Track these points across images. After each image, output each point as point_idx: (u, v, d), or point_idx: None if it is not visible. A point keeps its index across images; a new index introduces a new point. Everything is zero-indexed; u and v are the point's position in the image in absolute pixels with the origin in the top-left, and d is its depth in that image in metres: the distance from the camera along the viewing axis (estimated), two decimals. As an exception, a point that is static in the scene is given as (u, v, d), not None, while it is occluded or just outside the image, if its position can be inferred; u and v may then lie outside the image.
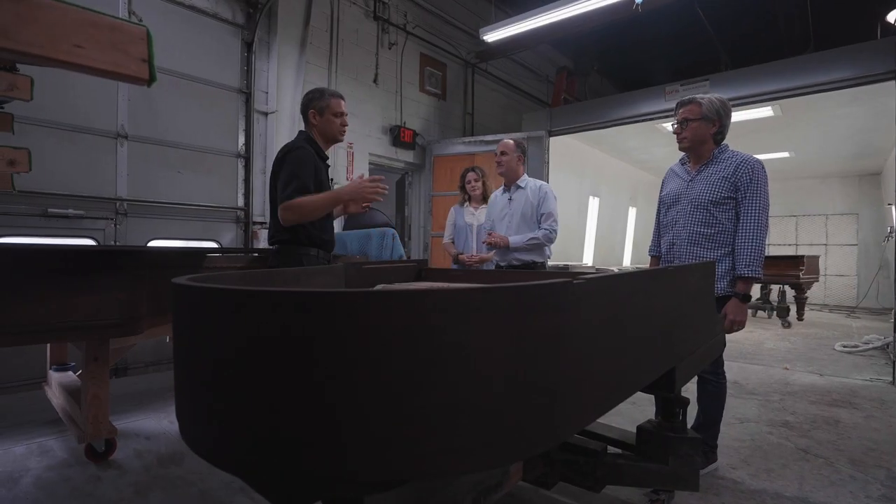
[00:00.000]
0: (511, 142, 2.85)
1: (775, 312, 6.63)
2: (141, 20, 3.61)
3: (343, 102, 2.10)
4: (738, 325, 1.86)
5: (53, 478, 1.98)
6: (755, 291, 7.98)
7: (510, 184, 2.87)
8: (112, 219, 3.61)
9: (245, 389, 0.70)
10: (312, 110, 2.02)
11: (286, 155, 1.87)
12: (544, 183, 2.83)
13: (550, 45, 8.12)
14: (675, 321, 1.22)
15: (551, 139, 5.98)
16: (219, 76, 4.22)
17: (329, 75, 5.07)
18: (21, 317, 1.75)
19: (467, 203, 3.59)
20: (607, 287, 0.86)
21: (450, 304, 0.66)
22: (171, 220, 3.92)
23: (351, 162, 5.36)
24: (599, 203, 8.73)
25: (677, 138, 2.07)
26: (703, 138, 2.00)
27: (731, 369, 4.05)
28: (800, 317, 6.31)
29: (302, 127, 2.10)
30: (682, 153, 2.15)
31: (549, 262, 5.96)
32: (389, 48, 5.78)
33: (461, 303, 0.66)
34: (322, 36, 5.00)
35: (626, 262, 10.02)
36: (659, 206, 2.24)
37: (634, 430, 1.76)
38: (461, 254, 3.44)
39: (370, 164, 5.61)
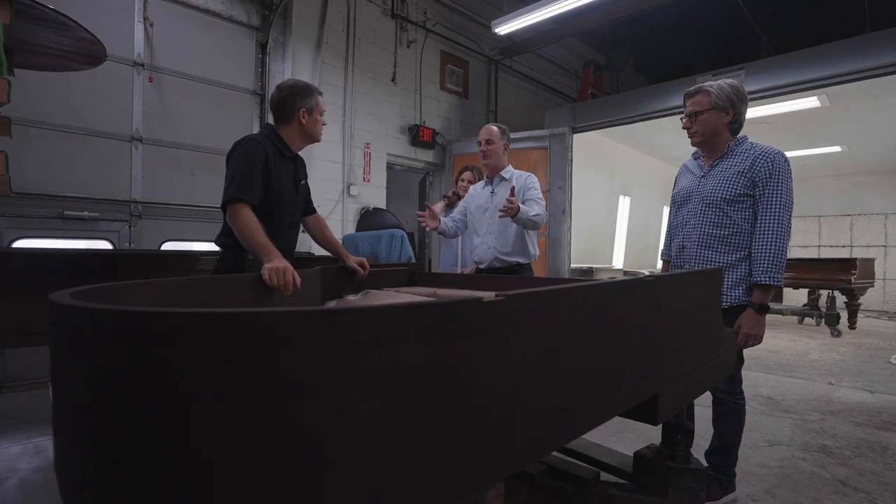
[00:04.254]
0: (496, 128, 2.58)
1: (823, 320, 6.12)
2: (153, 25, 3.67)
3: None
4: (754, 340, 1.63)
5: (38, 480, 1.98)
6: (802, 296, 7.42)
7: (493, 176, 2.61)
8: (127, 221, 3.68)
9: (81, 429, 0.59)
10: (303, 109, 1.88)
11: (233, 150, 1.77)
12: (530, 174, 2.58)
13: (580, 40, 7.84)
14: (657, 340, 1.04)
15: (576, 136, 5.72)
16: (233, 78, 4.24)
17: (345, 75, 5.03)
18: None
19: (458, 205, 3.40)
20: (539, 305, 0.71)
21: (307, 330, 0.53)
22: (185, 222, 3.96)
23: (368, 162, 5.31)
24: (630, 203, 8.35)
25: (688, 133, 1.87)
26: (716, 130, 1.78)
27: (767, 382, 3.72)
28: (851, 325, 5.78)
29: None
30: (696, 147, 1.94)
31: (573, 265, 5.73)
32: (408, 46, 5.70)
33: (328, 328, 0.53)
34: (338, 35, 4.97)
35: (661, 264, 9.55)
36: (671, 206, 2.03)
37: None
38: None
39: (388, 164, 5.55)
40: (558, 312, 0.74)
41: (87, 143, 3.48)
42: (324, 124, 1.98)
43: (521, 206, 2.37)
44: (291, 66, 4.53)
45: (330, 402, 0.53)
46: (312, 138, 1.97)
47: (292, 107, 1.88)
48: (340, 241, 4.40)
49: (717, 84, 1.74)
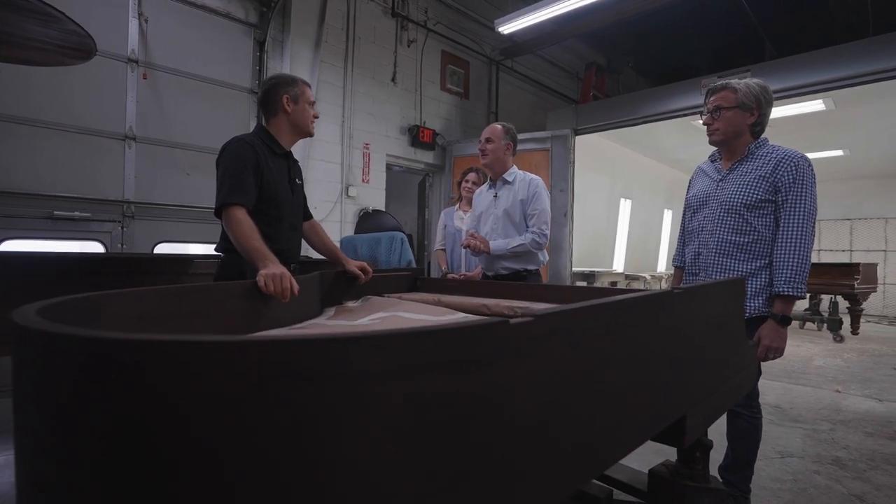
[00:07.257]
0: (499, 127, 2.46)
1: (825, 325, 6.06)
2: (147, 20, 3.57)
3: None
4: (775, 353, 1.56)
5: (20, 495, 1.88)
6: (802, 301, 7.37)
7: (497, 178, 2.50)
8: (119, 221, 3.58)
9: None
10: (286, 96, 1.79)
11: (221, 153, 1.69)
12: (535, 177, 2.47)
13: (581, 41, 7.78)
14: (685, 357, 0.96)
15: (578, 138, 5.65)
16: (230, 76, 4.15)
17: (345, 74, 4.95)
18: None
19: (459, 205, 3.31)
20: (569, 325, 0.62)
21: (308, 360, 0.44)
22: (179, 223, 3.87)
23: (367, 163, 5.22)
24: (632, 205, 8.29)
25: (708, 130, 1.78)
26: (738, 130, 1.70)
27: (773, 390, 3.65)
28: (854, 330, 5.73)
29: (320, 125, 1.89)
30: (714, 149, 1.87)
31: (574, 269, 5.66)
32: (409, 46, 5.62)
33: (330, 358, 0.45)
34: (338, 34, 4.88)
35: (661, 267, 9.50)
36: (684, 210, 1.95)
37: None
38: (450, 273, 3.19)
39: (388, 165, 5.46)
40: (588, 332, 0.66)
41: (79, 140, 3.38)
42: (315, 117, 1.87)
43: (492, 242, 2.36)
44: (290, 65, 4.43)
45: (333, 446, 0.45)
46: (302, 130, 1.86)
47: (275, 96, 1.80)
48: (338, 244, 4.33)
49: (743, 82, 1.66)
